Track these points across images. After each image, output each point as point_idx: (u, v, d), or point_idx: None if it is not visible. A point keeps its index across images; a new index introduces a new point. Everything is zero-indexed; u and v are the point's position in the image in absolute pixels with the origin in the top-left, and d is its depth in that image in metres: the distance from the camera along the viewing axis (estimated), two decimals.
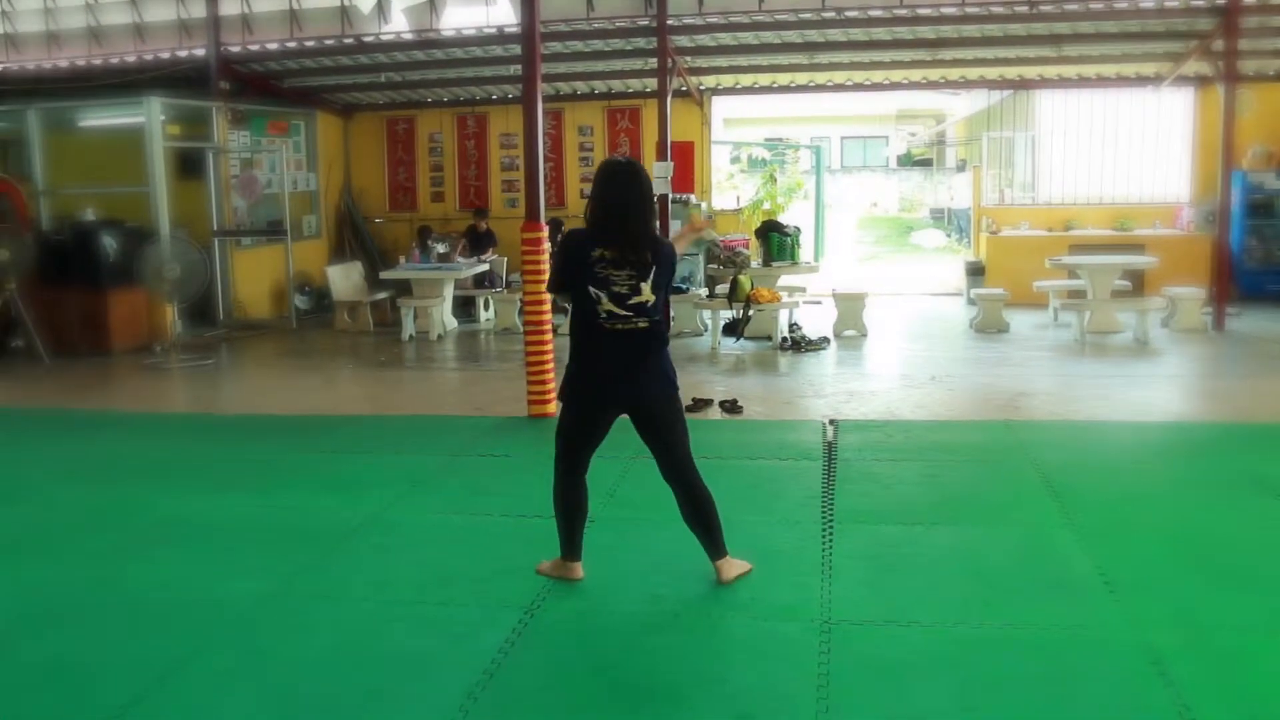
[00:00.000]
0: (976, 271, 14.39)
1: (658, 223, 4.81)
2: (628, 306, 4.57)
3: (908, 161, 36.90)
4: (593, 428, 4.80)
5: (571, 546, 4.90)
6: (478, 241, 14.29)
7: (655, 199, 4.77)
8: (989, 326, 12.09)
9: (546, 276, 8.31)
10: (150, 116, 12.55)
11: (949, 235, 24.45)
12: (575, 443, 4.82)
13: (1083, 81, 14.75)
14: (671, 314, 4.14)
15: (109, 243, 12.14)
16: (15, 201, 12.60)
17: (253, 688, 4.02)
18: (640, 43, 13.03)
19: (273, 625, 4.60)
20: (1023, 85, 15.43)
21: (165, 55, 13.85)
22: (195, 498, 6.42)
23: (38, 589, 5.09)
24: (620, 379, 4.65)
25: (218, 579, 5.09)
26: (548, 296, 8.33)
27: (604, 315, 4.56)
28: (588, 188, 14.35)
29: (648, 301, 4.59)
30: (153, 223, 12.42)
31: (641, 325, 4.61)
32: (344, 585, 4.98)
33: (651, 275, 4.59)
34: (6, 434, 8.62)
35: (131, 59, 13.89)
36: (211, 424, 8.83)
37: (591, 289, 4.55)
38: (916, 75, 15.04)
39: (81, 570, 5.32)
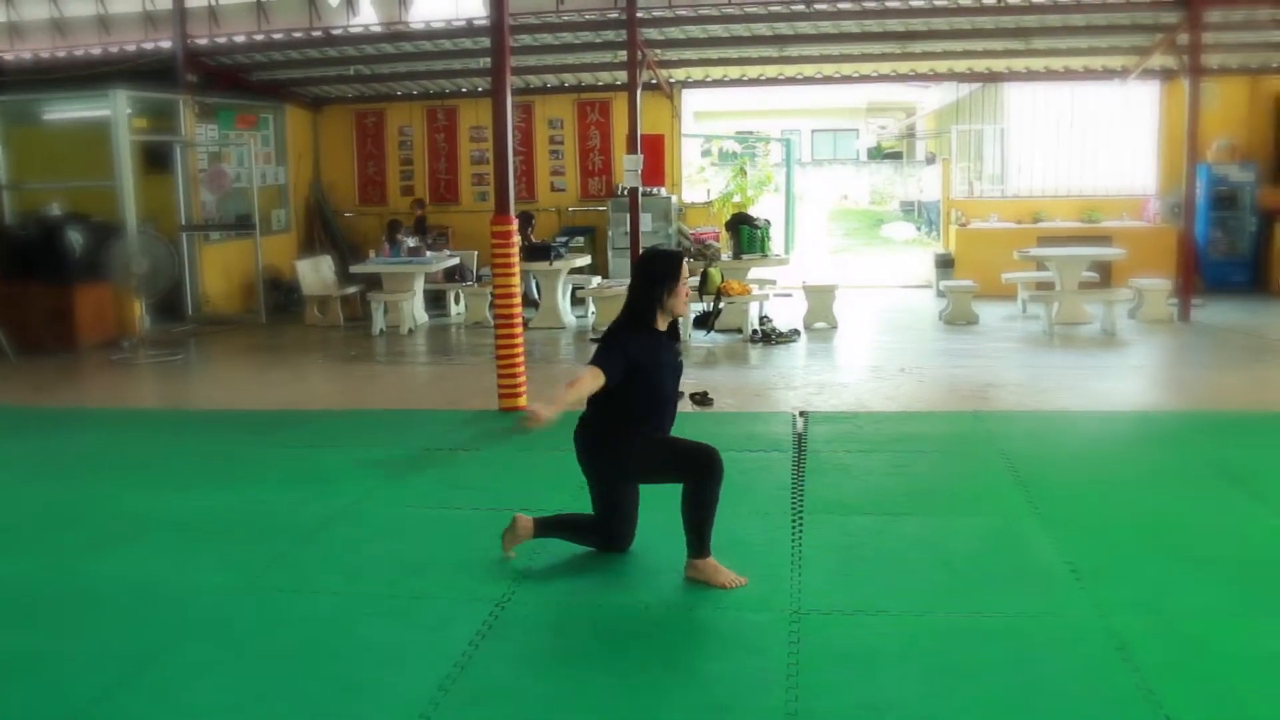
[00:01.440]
0: (946, 264, 14.49)
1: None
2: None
3: (877, 155, 37.06)
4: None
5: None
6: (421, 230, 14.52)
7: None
8: (958, 318, 12.17)
9: (514, 272, 8.29)
10: (116, 110, 12.46)
11: (919, 228, 24.57)
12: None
13: (1050, 74, 14.85)
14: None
15: (75, 238, 12.03)
16: None
17: (224, 681, 4.01)
18: (610, 35, 13.03)
19: (244, 619, 4.57)
20: (991, 78, 15.55)
21: (130, 48, 13.75)
22: (164, 493, 6.39)
23: (4, 584, 5.05)
24: None
25: (188, 573, 5.07)
26: (517, 288, 8.32)
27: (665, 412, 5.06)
28: (558, 180, 14.42)
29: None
30: (120, 217, 12.34)
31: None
32: (315, 578, 4.97)
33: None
34: None
35: (96, 51, 13.78)
36: (180, 419, 8.77)
37: (654, 387, 4.95)
38: (886, 68, 15.10)
39: (50, 565, 5.28)
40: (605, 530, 5.05)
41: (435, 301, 13.96)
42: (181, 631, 4.44)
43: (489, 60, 9.44)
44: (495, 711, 3.73)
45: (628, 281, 11.43)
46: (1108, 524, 5.43)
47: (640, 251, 12.38)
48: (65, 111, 13.40)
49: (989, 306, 12.77)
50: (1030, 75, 15.00)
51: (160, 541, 5.58)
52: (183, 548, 5.45)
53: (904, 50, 13.76)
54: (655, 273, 4.89)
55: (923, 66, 14.94)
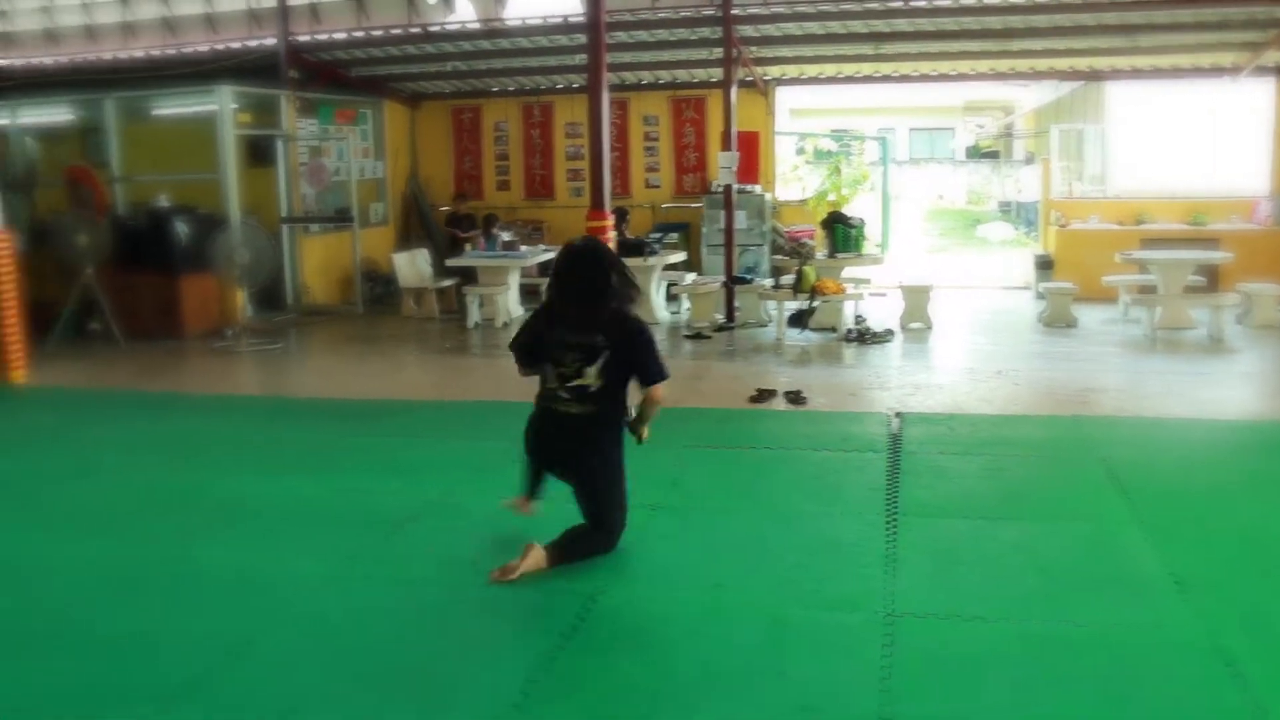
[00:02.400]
0: (1045, 265, 14.20)
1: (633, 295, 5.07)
2: (568, 388, 4.90)
3: (975, 154, 36.50)
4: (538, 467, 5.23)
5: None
6: (459, 223, 14.59)
7: (619, 281, 4.99)
8: (1057, 321, 11.92)
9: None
10: (221, 105, 12.75)
11: (1016, 228, 24.15)
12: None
13: (1156, 72, 14.47)
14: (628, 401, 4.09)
15: (181, 229, 12.35)
16: (93, 188, 12.85)
17: (316, 667, 4.08)
18: (705, 33, 12.99)
19: (335, 607, 4.65)
20: (1093, 77, 15.20)
21: (236, 45, 14.06)
22: (262, 479, 6.52)
23: (109, 564, 5.21)
24: (550, 451, 5.09)
25: (282, 560, 5.17)
26: None
27: (549, 389, 4.97)
28: (653, 177, 14.40)
29: (589, 385, 4.84)
30: (223, 209, 12.63)
31: (574, 411, 4.91)
32: (407, 568, 5.03)
33: (601, 359, 4.82)
34: (83, 413, 8.82)
35: (204, 49, 14.11)
36: (279, 407, 8.96)
37: (547, 365, 4.94)
38: (984, 66, 14.86)
39: (150, 548, 5.43)
40: (610, 524, 5.03)
41: (530, 296, 14.05)
42: (274, 618, 4.53)
43: (585, 57, 9.50)
44: (584, 704, 3.74)
45: (721, 278, 11.44)
46: (1213, 535, 5.27)
47: (729, 247, 12.41)
48: (174, 107, 13.74)
49: (1089, 310, 12.48)
50: (1135, 73, 14.64)
51: (256, 528, 5.70)
52: (278, 534, 5.57)
53: (1003, 48, 13.51)
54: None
55: (1022, 65, 14.67)
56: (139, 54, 14.34)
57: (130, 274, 12.22)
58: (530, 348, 5.05)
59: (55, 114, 14.23)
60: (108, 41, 14.51)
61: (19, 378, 10.03)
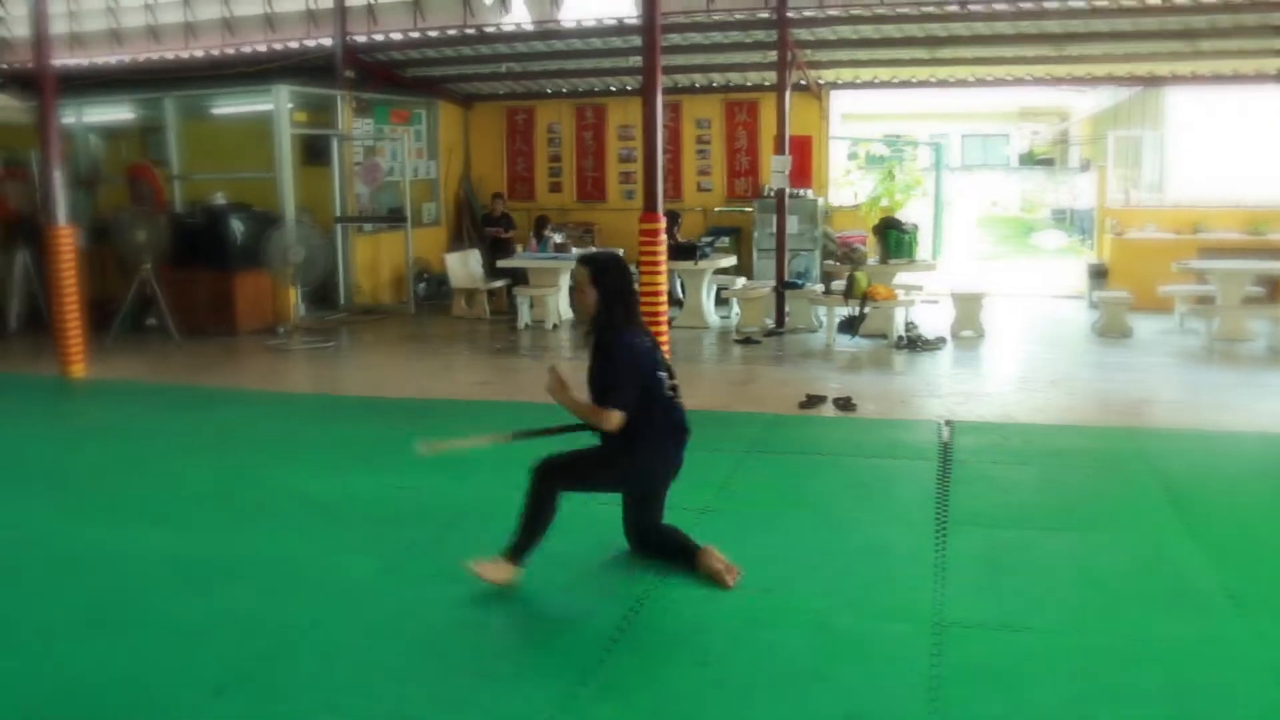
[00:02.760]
0: (1099, 274, 14.03)
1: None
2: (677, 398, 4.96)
3: (1029, 160, 36.12)
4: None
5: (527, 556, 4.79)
6: (496, 223, 14.65)
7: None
8: (1111, 331, 11.78)
9: (660, 269, 8.34)
10: (278, 104, 12.91)
11: (1071, 236, 23.89)
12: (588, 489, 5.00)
13: (1218, 78, 14.25)
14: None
15: (237, 226, 12.53)
16: (152, 185, 13.07)
17: (365, 660, 4.13)
18: (760, 35, 12.97)
19: (384, 602, 4.71)
20: (1153, 82, 14.98)
21: (294, 45, 14.22)
22: (316, 475, 6.59)
23: (167, 554, 5.30)
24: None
25: (333, 554, 5.24)
26: (663, 285, 8.36)
27: (670, 391, 4.88)
28: (704, 180, 14.35)
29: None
30: (279, 208, 12.78)
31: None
32: (455, 566, 5.04)
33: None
34: (139, 406, 8.97)
35: (262, 48, 14.29)
36: (331, 404, 9.05)
37: (660, 374, 4.85)
38: (1041, 71, 14.70)
39: (208, 539, 5.53)
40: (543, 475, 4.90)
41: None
42: (325, 610, 4.59)
43: (639, 59, 9.51)
44: (629, 706, 3.76)
45: (772, 283, 11.40)
46: (1269, 550, 5.19)
47: (781, 252, 12.37)
48: (232, 106, 13.95)
49: (1144, 319, 12.32)
50: (1196, 79, 14.42)
51: (308, 521, 5.78)
52: (331, 528, 5.64)
53: (1060, 53, 13.37)
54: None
55: (1080, 70, 14.50)
56: (199, 54, 14.55)
57: (186, 270, 12.43)
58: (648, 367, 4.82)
59: (118, 112, 14.48)
60: (169, 41, 14.73)
61: (79, 371, 10.21)
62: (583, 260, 4.98)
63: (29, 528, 5.79)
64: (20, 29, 14.81)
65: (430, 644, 4.26)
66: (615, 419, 4.67)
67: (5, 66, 15.04)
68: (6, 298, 13.16)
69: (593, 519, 5.69)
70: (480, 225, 16.01)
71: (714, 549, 4.88)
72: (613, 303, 4.82)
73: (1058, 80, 15.45)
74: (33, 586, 4.96)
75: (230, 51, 14.43)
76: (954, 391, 9.08)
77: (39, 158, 11.55)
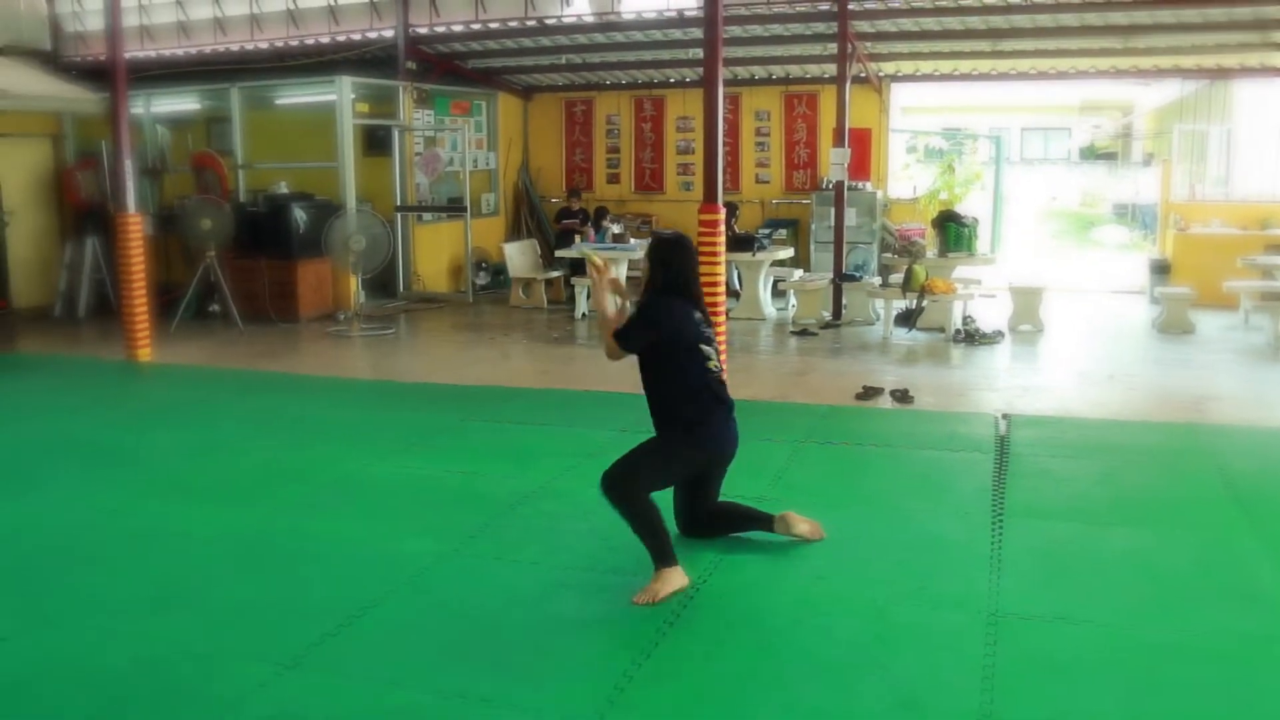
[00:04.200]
0: (1161, 269, 13.85)
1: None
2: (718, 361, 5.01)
3: (1090, 154, 35.67)
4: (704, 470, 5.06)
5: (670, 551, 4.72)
6: (572, 217, 14.72)
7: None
8: (1173, 327, 11.64)
9: (719, 260, 8.37)
10: (341, 95, 13.08)
11: (1132, 231, 23.57)
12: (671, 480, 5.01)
13: None
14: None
15: (299, 215, 12.70)
16: (218, 174, 13.30)
17: (426, 640, 4.22)
18: (820, 27, 12.94)
19: (446, 583, 4.80)
20: (1220, 75, 14.75)
21: (356, 36, 14.36)
22: (376, 459, 6.70)
23: (233, 534, 5.43)
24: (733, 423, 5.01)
25: (394, 537, 5.33)
26: (722, 277, 8.39)
27: (715, 370, 4.91)
28: (763, 172, 14.28)
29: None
30: (340, 197, 12.95)
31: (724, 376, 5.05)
32: (515, 549, 5.14)
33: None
34: (203, 390, 9.15)
35: (325, 40, 14.45)
36: (390, 390, 9.17)
37: (702, 347, 4.87)
38: (1105, 64, 14.51)
39: (269, 519, 5.65)
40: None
41: (637, 288, 14.10)
42: (388, 590, 4.68)
43: (698, 51, 9.51)
44: (687, 689, 3.81)
45: (829, 275, 11.37)
46: None
47: (839, 244, 12.34)
48: (295, 96, 14.15)
49: (1207, 316, 12.16)
50: (1266, 70, 14.16)
51: (369, 504, 5.89)
52: (392, 511, 5.75)
53: (1126, 45, 13.20)
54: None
55: (1145, 62, 14.29)
56: (264, 45, 14.73)
57: (250, 258, 12.66)
58: (682, 328, 4.87)
59: (185, 103, 14.74)
60: (235, 33, 14.94)
61: (145, 355, 10.43)
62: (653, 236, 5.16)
63: (100, 507, 5.95)
64: (93, 22, 15.10)
65: (490, 624, 4.34)
66: (612, 346, 4.86)
67: (79, 59, 15.34)
68: (76, 283, 13.46)
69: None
70: (538, 215, 16.13)
71: (792, 513, 5.05)
72: (657, 273, 4.99)
73: (1122, 73, 15.22)
74: (105, 564, 5.11)
75: (294, 43, 14.62)
76: (1011, 385, 9.03)
77: (109, 147, 11.80)
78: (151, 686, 3.87)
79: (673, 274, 4.96)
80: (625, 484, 4.69)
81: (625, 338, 4.85)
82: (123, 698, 3.80)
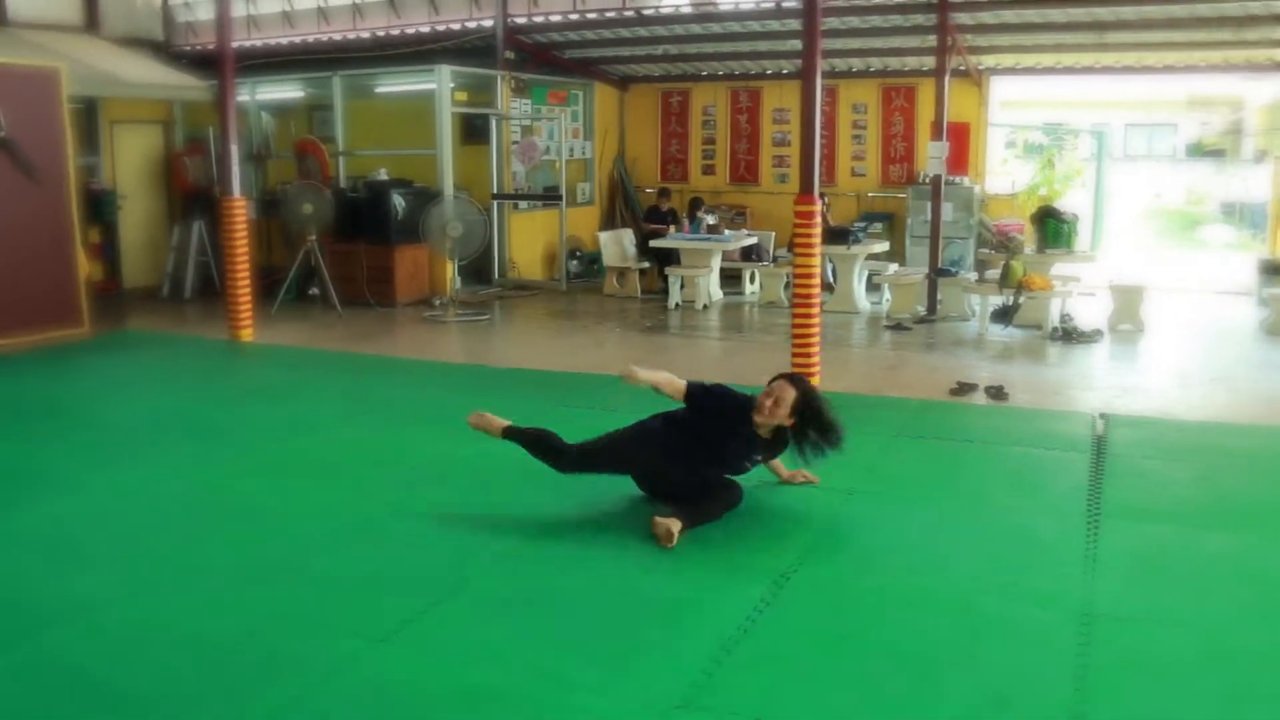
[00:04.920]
0: (1271, 270, 13.44)
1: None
2: None
3: (1197, 151, 34.73)
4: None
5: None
6: (661, 218, 14.59)
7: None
8: None
9: (815, 252, 8.33)
10: (440, 84, 13.26)
11: (1240, 230, 22.93)
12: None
13: None
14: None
15: (398, 201, 12.91)
16: (319, 160, 13.57)
17: (514, 619, 4.28)
18: (919, 19, 12.77)
19: (536, 566, 4.85)
20: None
21: (456, 26, 14.53)
22: (467, 441, 6.73)
23: (329, 511, 5.56)
24: None
25: (491, 516, 5.43)
26: (817, 269, 8.35)
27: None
28: (859, 165, 14.18)
29: None
30: (438, 184, 13.13)
31: None
32: (607, 534, 5.19)
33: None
34: (301, 371, 9.38)
35: (425, 29, 14.63)
36: (484, 375, 9.29)
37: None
38: (1216, 57, 14.11)
39: (365, 498, 5.77)
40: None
41: (731, 279, 14.11)
42: (480, 570, 4.76)
43: (796, 43, 9.46)
44: (771, 679, 3.80)
45: (924, 270, 11.25)
46: None
47: (935, 238, 12.20)
48: (395, 85, 14.37)
49: None
50: None
51: (461, 486, 5.98)
52: (485, 492, 5.83)
53: (1239, 37, 12.81)
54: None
55: (1260, 55, 13.87)
56: (365, 34, 14.98)
57: (349, 242, 12.92)
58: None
59: (288, 91, 15.06)
60: (337, 22, 15.21)
61: (247, 336, 10.70)
62: (793, 380, 5.47)
63: (202, 480, 6.13)
64: (203, 13, 15.50)
65: (577, 607, 4.39)
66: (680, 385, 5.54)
67: (188, 48, 15.75)
68: (183, 265, 13.84)
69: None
70: (633, 205, 16.18)
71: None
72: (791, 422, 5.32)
73: (1233, 66, 14.80)
74: (206, 535, 5.26)
75: (395, 32, 14.83)
76: (1109, 385, 8.86)
77: (216, 134, 12.10)
78: (249, 654, 3.99)
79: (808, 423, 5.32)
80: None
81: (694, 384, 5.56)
82: (221, 664, 3.91)
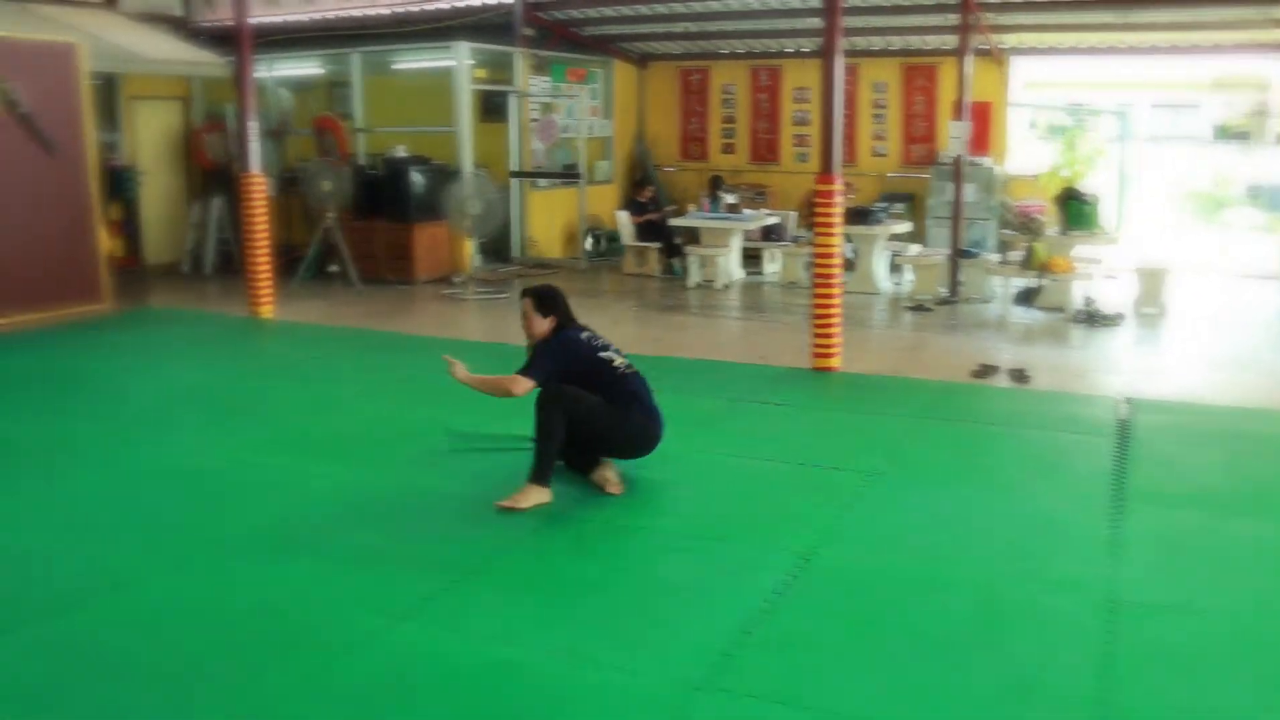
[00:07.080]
0: None
1: None
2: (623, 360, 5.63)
3: (1223, 133, 34.45)
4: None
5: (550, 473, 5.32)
6: (641, 209, 14.44)
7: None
8: None
9: (835, 232, 8.27)
10: (459, 61, 13.20)
11: (1267, 213, 22.74)
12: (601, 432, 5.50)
13: None
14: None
15: (417, 179, 12.89)
16: (338, 138, 13.55)
17: (535, 598, 4.30)
18: None
19: (557, 542, 4.87)
20: None
21: (475, 3, 14.42)
22: (487, 420, 6.76)
23: (349, 487, 5.58)
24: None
25: (509, 495, 5.38)
26: (838, 248, 8.29)
27: (622, 368, 5.59)
28: (879, 145, 14.07)
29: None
30: (456, 161, 13.09)
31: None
32: (623, 515, 5.17)
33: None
34: (321, 348, 9.41)
35: (444, 6, 14.54)
36: (503, 353, 9.21)
37: (603, 355, 5.57)
38: (1244, 37, 13.92)
39: (386, 474, 5.80)
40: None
41: (751, 259, 14.05)
42: (497, 548, 4.77)
43: (816, 21, 9.36)
44: (792, 661, 3.79)
45: (946, 251, 11.18)
46: None
47: (957, 219, 12.11)
48: (414, 62, 14.31)
49: None
50: None
51: (481, 465, 5.97)
52: (503, 471, 5.79)
53: (1267, 16, 12.64)
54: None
55: None
56: (384, 11, 14.90)
57: (368, 220, 12.92)
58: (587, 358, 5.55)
59: (307, 67, 15.01)
60: None
61: (267, 312, 10.71)
62: (526, 293, 5.79)
63: (223, 456, 6.15)
64: None
65: (599, 587, 4.39)
66: (522, 384, 5.36)
67: (207, 24, 15.71)
68: (203, 242, 13.86)
69: (754, 474, 5.75)
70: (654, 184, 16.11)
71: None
72: (541, 321, 5.64)
73: (1262, 46, 14.61)
74: (228, 511, 5.28)
75: (414, 9, 14.74)
76: (1133, 368, 8.79)
77: (235, 110, 12.08)
78: (271, 630, 4.00)
79: (559, 314, 5.65)
80: (567, 401, 5.24)
81: (532, 373, 5.39)
82: (243, 639, 3.93)
